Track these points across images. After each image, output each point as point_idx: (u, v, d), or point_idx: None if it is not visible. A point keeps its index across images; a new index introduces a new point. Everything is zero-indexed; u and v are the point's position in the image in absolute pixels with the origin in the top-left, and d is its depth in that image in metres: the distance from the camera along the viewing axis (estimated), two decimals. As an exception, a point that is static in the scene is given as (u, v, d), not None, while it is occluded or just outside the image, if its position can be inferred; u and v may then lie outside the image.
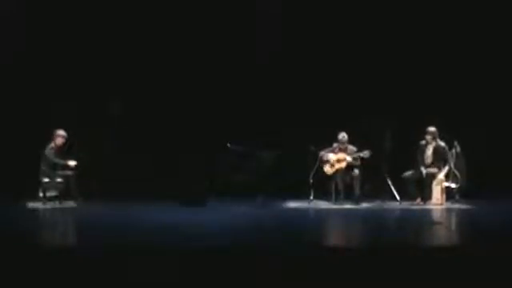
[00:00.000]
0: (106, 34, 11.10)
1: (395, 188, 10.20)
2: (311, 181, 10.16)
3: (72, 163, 10.06)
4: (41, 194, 9.99)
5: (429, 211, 9.41)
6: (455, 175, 9.96)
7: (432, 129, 10.10)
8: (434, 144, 10.12)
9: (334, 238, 7.61)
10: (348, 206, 9.91)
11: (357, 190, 10.08)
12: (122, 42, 11.13)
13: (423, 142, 10.18)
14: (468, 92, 10.96)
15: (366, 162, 10.14)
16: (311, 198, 10.18)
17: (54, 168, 10.04)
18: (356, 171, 10.12)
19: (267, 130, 11.01)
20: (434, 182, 9.94)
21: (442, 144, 10.09)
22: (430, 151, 10.15)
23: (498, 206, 9.57)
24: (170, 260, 5.55)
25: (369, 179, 10.35)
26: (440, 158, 10.05)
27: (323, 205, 10.06)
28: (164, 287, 5.31)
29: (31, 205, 9.88)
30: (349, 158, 10.13)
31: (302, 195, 10.29)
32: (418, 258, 5.61)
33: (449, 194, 10.02)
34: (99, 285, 5.31)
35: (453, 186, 9.98)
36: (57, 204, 9.98)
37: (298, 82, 11.26)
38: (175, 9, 11.15)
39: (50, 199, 10.01)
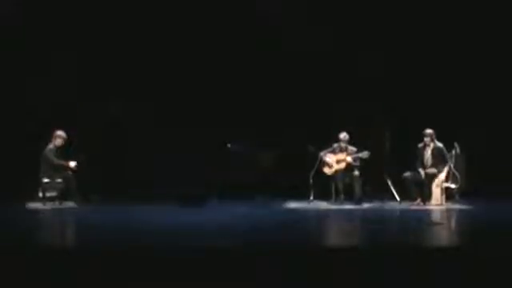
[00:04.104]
0: (106, 34, 11.11)
1: (395, 188, 10.21)
2: (311, 181, 10.16)
3: (72, 164, 10.06)
4: (40, 195, 9.98)
5: (429, 212, 9.40)
6: (455, 176, 9.96)
7: (429, 131, 10.09)
8: (432, 145, 10.12)
9: (334, 238, 7.60)
10: (348, 206, 9.91)
11: (357, 191, 10.07)
12: (122, 42, 11.13)
13: (421, 145, 10.17)
14: (468, 92, 10.97)
15: (365, 162, 10.14)
16: (311, 198, 10.17)
17: (54, 168, 10.04)
18: (356, 172, 10.12)
19: (267, 129, 11.02)
20: (434, 183, 9.95)
21: (440, 145, 10.09)
22: (428, 153, 10.14)
23: (498, 206, 9.57)
24: (169, 260, 5.54)
25: (369, 180, 10.36)
26: (439, 159, 10.05)
27: (323, 205, 10.06)
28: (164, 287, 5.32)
29: (31, 205, 9.88)
30: (348, 159, 10.13)
31: (302, 195, 10.29)
32: (417, 258, 5.60)
33: (449, 194, 10.02)
34: (99, 285, 5.30)
35: (452, 186, 9.98)
36: (56, 204, 9.97)
37: (298, 82, 11.26)
38: (175, 9, 11.16)
39: (50, 200, 10.00)
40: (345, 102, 11.04)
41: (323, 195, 10.29)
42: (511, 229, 7.54)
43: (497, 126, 10.96)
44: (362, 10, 11.07)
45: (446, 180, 9.95)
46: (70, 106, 10.95)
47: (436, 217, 8.94)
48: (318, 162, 10.23)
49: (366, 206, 9.94)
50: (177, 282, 5.31)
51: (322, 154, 10.28)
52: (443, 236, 7.28)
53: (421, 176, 10.04)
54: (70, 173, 10.07)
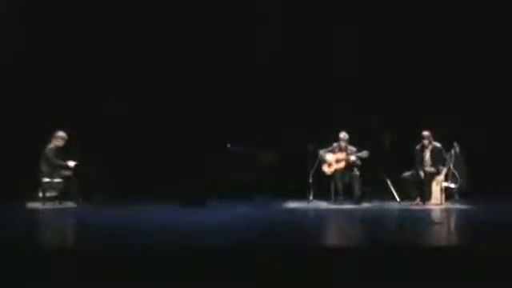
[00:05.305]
0: (106, 35, 11.11)
1: (395, 188, 10.21)
2: (311, 181, 10.16)
3: (71, 164, 10.07)
4: (40, 195, 9.98)
5: (428, 211, 9.41)
6: (454, 175, 9.97)
7: (427, 133, 10.12)
8: (430, 147, 10.14)
9: (334, 237, 7.60)
10: (347, 206, 9.91)
11: (356, 190, 10.07)
12: (122, 43, 11.13)
13: (418, 146, 10.19)
14: (467, 92, 10.97)
15: (365, 162, 10.14)
16: (311, 198, 10.17)
17: (54, 168, 10.03)
18: (356, 171, 10.12)
19: (267, 129, 11.02)
20: (434, 183, 9.96)
21: (438, 145, 10.12)
22: (427, 155, 10.16)
23: (498, 206, 9.57)
24: (169, 260, 5.54)
25: (368, 180, 10.36)
26: (438, 159, 10.07)
27: (323, 205, 10.06)
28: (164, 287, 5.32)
29: (31, 205, 9.88)
30: (349, 158, 10.12)
31: (301, 195, 10.29)
32: (418, 258, 5.60)
33: (448, 194, 10.02)
34: (99, 285, 5.30)
35: (452, 186, 9.99)
36: (56, 204, 9.97)
37: (298, 82, 11.26)
38: (175, 9, 11.16)
39: (50, 199, 10.00)
40: (344, 102, 11.04)
41: (323, 195, 10.29)
42: (511, 229, 7.54)
43: (497, 125, 10.96)
44: (361, 10, 11.08)
45: (446, 180, 9.96)
46: (69, 106, 10.95)
47: (436, 216, 8.94)
48: (317, 161, 10.23)
49: (365, 205, 9.95)
50: (177, 282, 5.31)
51: (321, 152, 10.28)
52: (443, 236, 7.28)
53: (420, 176, 10.05)
54: (69, 173, 10.07)
